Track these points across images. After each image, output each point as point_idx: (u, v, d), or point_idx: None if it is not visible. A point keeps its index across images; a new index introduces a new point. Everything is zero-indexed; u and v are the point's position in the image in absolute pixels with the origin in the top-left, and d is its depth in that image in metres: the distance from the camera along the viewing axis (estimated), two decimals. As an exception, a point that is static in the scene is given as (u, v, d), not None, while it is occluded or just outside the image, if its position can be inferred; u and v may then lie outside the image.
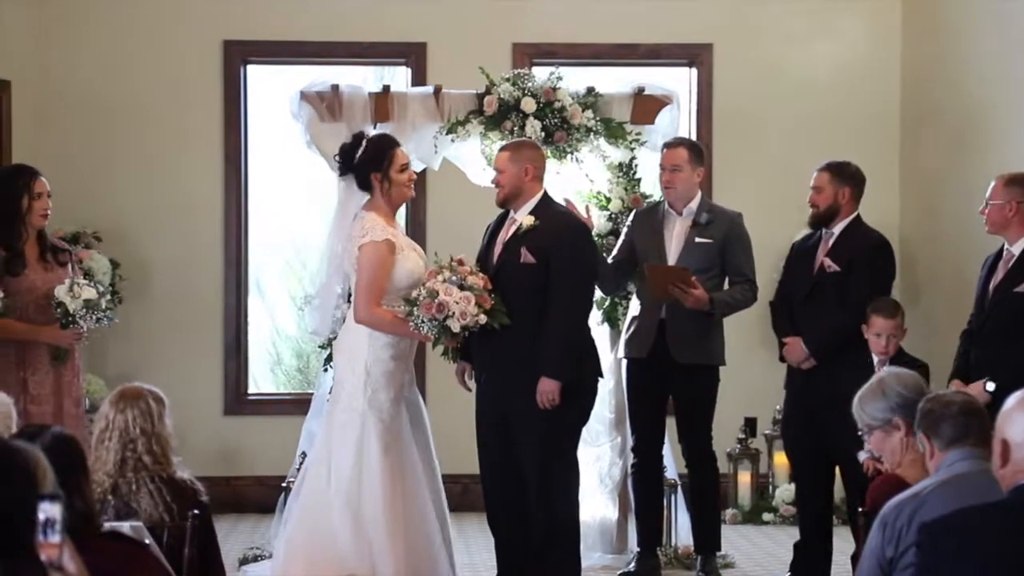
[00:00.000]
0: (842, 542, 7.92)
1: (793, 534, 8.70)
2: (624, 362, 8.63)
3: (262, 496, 10.22)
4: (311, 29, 10.85)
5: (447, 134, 8.92)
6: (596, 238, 8.77)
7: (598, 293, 8.29)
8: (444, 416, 10.56)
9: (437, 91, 9.01)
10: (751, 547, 9.61)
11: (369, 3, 10.90)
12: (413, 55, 10.88)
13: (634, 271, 8.58)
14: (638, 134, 9.05)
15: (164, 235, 10.85)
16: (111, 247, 10.56)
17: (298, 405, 9.76)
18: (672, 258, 8.40)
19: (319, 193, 10.92)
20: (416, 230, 10.72)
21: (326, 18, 10.86)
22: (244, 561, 8.70)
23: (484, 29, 10.84)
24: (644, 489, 8.59)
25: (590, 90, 9.06)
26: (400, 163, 7.62)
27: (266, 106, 10.97)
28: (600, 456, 8.98)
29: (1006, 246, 7.51)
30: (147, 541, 4.63)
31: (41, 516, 3.35)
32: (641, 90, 9.13)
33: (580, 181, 9.04)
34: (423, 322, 7.26)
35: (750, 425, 10.59)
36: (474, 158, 8.98)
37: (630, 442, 8.73)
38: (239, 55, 10.91)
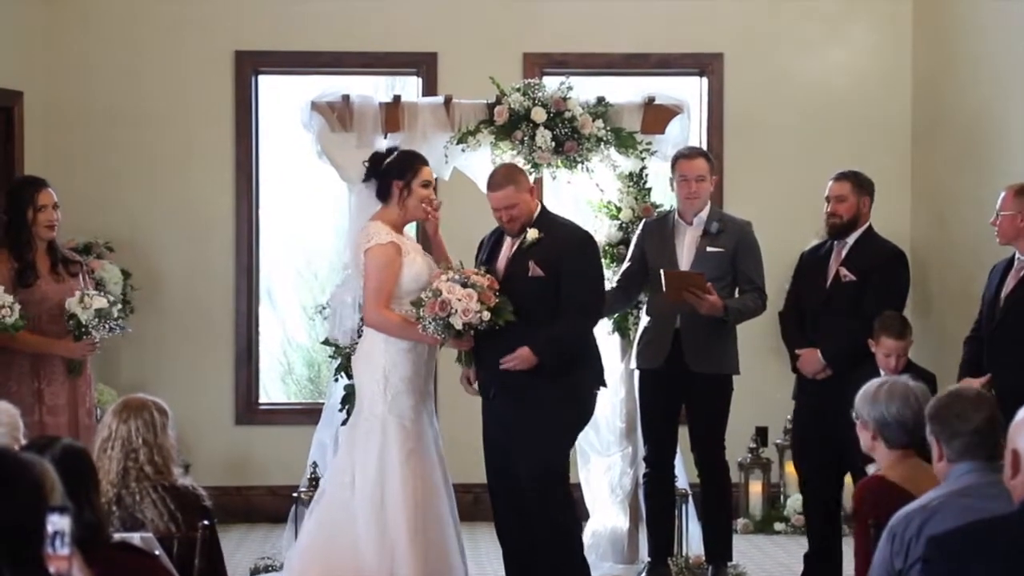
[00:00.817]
0: (851, 551, 7.91)
1: (804, 544, 8.69)
2: (636, 373, 8.62)
3: (273, 506, 10.23)
4: (322, 39, 10.87)
5: (457, 144, 8.92)
6: (607, 247, 8.80)
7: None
8: (455, 425, 10.57)
9: (448, 101, 9.01)
10: (762, 557, 9.61)
11: (380, 14, 10.91)
12: (424, 65, 10.89)
13: (646, 282, 8.58)
14: (648, 144, 9.04)
15: (175, 245, 10.87)
16: (123, 257, 10.58)
17: (309, 415, 9.77)
18: (684, 268, 8.40)
19: (330, 203, 10.95)
20: (427, 239, 10.70)
21: (337, 28, 10.88)
22: (255, 571, 8.70)
23: (495, 39, 10.84)
24: (656, 499, 8.59)
25: (600, 100, 9.05)
26: (424, 178, 7.70)
27: (277, 116, 10.98)
28: (611, 466, 8.99)
29: (1017, 255, 7.53)
30: (157, 552, 4.64)
31: (50, 528, 3.33)
32: (651, 100, 9.12)
33: (591, 191, 9.04)
34: (429, 322, 7.29)
35: (761, 435, 10.60)
36: (484, 168, 8.89)
37: (641, 452, 8.72)
38: (250, 65, 10.93)
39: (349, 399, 8.07)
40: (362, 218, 8.00)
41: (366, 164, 7.87)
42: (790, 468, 10.49)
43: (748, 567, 9.00)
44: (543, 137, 8.82)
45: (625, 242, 8.90)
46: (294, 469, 9.09)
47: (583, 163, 8.95)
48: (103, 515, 4.40)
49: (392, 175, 7.68)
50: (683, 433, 8.64)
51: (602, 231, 8.88)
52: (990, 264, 7.86)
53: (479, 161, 8.99)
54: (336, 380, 8.51)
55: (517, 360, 7.38)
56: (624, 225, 8.99)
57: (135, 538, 4.72)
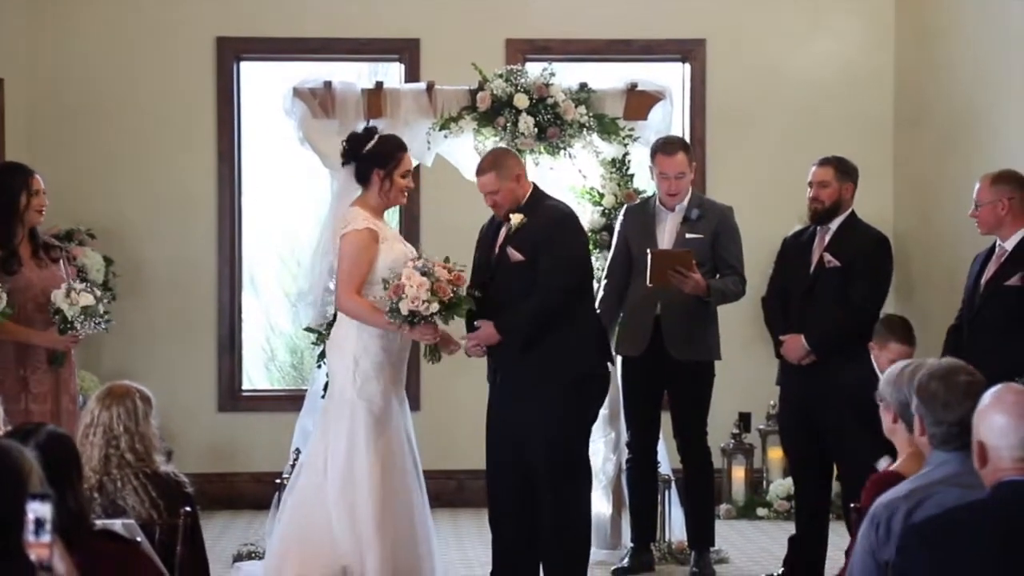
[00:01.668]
0: (837, 538, 7.94)
1: (787, 529, 8.78)
2: (618, 359, 8.63)
3: (256, 492, 10.22)
4: (304, 26, 10.86)
5: (440, 130, 8.93)
6: (590, 233, 8.76)
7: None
8: (439, 412, 10.62)
9: (430, 87, 9.02)
10: (745, 542, 9.63)
11: (362, 0, 10.90)
12: (406, 51, 10.90)
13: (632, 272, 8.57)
14: (631, 130, 9.06)
15: (158, 232, 10.87)
16: (105, 244, 10.57)
17: (292, 401, 9.76)
18: None
19: (313, 189, 10.95)
20: (410, 226, 10.73)
21: (319, 15, 10.88)
22: (238, 558, 8.71)
23: (477, 25, 10.84)
24: (639, 485, 8.63)
25: (583, 86, 9.08)
26: (405, 167, 7.68)
27: (260, 103, 10.97)
28: (594, 452, 8.89)
29: (998, 242, 7.53)
30: (139, 539, 4.63)
31: (30, 516, 3.32)
32: (634, 86, 9.14)
33: (573, 177, 9.05)
34: (386, 306, 7.32)
35: (744, 420, 10.61)
36: (467, 154, 8.97)
37: (624, 438, 8.75)
38: (232, 52, 10.92)
39: (331, 386, 8.06)
40: (343, 204, 7.99)
41: (344, 145, 7.82)
42: (773, 454, 10.57)
43: (730, 552, 9.04)
44: (526, 123, 8.84)
45: (608, 228, 8.92)
46: (277, 456, 9.09)
47: (566, 149, 8.97)
48: (86, 502, 4.39)
49: (373, 163, 7.66)
50: (666, 419, 8.65)
51: (585, 217, 8.87)
52: (971, 252, 7.87)
53: (462, 147, 9.00)
54: (319, 367, 8.51)
55: (479, 339, 7.40)
56: (607, 211, 9.00)
57: (117, 525, 4.72)
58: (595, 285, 8.27)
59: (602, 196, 9.05)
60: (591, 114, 8.99)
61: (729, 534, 9.66)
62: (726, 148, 10.90)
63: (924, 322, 10.13)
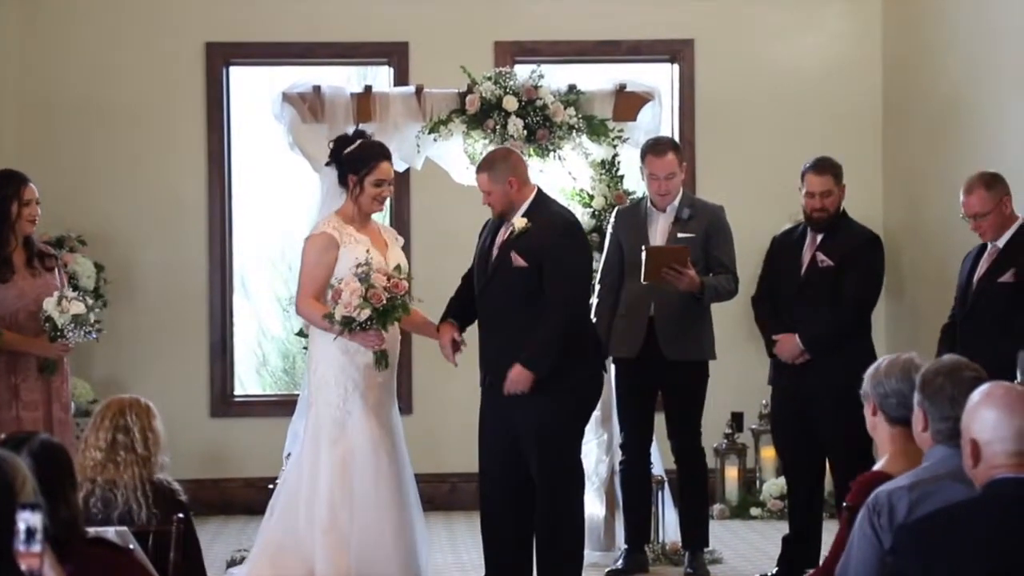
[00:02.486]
0: (831, 536, 7.84)
1: (781, 528, 8.78)
2: (612, 361, 8.62)
3: (249, 498, 10.23)
4: (293, 30, 10.86)
5: (429, 133, 8.93)
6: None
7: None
8: (431, 416, 10.62)
9: (419, 91, 9.02)
10: (739, 542, 9.64)
11: (351, 4, 10.91)
12: (395, 55, 10.90)
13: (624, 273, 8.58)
14: (620, 131, 9.07)
15: (148, 237, 10.87)
16: (96, 250, 10.56)
17: (284, 406, 9.76)
18: None
19: (303, 194, 10.94)
20: (400, 229, 10.66)
21: (308, 19, 10.88)
22: (232, 563, 8.70)
23: (465, 28, 10.85)
24: (632, 486, 8.62)
25: (572, 87, 9.08)
26: (379, 176, 7.63)
27: (249, 107, 10.98)
28: (587, 453, 8.91)
29: (990, 240, 7.56)
30: (132, 546, 4.64)
31: (21, 525, 3.31)
32: (623, 87, 9.15)
33: (563, 179, 9.05)
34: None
35: (737, 420, 10.61)
36: (457, 157, 9.00)
37: (617, 439, 8.75)
38: (222, 57, 10.92)
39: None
40: (330, 205, 8.03)
41: (331, 145, 7.85)
42: (766, 453, 10.58)
43: (724, 552, 9.04)
44: (515, 126, 8.85)
45: (598, 230, 8.92)
46: (270, 461, 9.09)
47: (555, 151, 8.97)
48: (78, 511, 4.35)
49: (348, 168, 7.67)
50: (659, 420, 8.66)
51: (575, 219, 8.90)
52: (962, 246, 7.91)
53: (451, 151, 9.01)
54: (310, 371, 8.52)
55: (513, 384, 7.33)
56: (596, 213, 9.00)
57: (110, 532, 4.71)
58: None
59: (592, 198, 9.04)
60: (580, 115, 9.00)
61: (723, 534, 9.67)
62: (715, 148, 10.91)
63: (915, 318, 10.18)
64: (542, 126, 8.91)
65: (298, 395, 8.94)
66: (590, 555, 8.72)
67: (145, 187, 10.83)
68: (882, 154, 11.10)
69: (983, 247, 7.63)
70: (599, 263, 8.64)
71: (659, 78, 10.30)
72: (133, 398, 5.59)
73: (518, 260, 7.41)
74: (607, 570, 8.52)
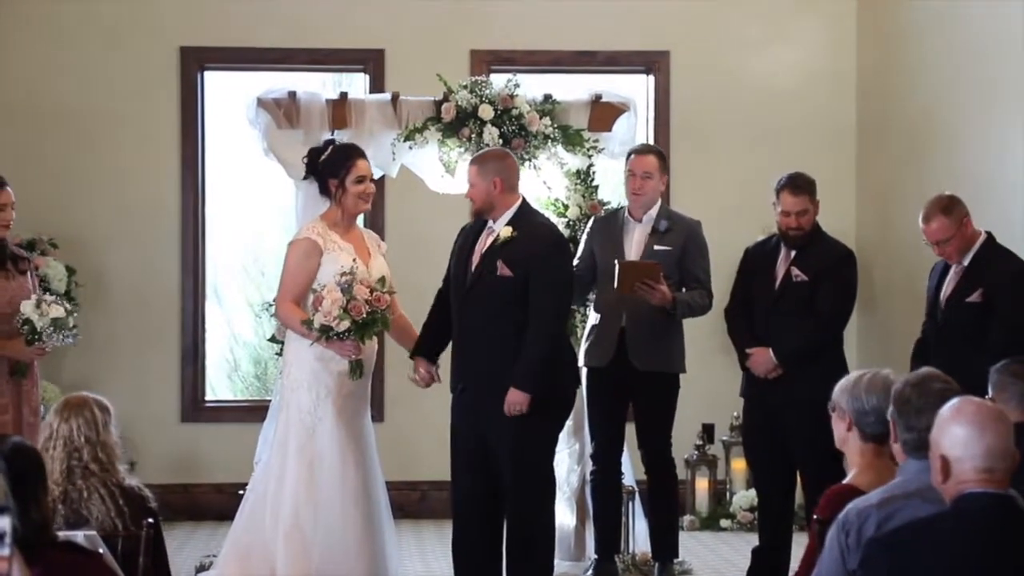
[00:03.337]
0: (800, 548, 7.85)
1: (750, 540, 8.78)
2: (583, 371, 8.63)
3: (219, 503, 10.20)
4: (269, 36, 10.86)
5: (405, 141, 8.92)
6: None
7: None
8: (402, 424, 10.61)
9: (395, 98, 9.02)
10: (708, 553, 9.65)
11: (327, 10, 10.91)
12: (371, 62, 10.90)
13: (594, 281, 8.59)
14: (595, 141, 9.08)
15: (121, 242, 10.84)
16: (67, 254, 10.53)
17: (255, 412, 9.75)
18: None
19: (277, 200, 10.93)
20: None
21: (284, 25, 10.87)
22: (200, 568, 8.67)
23: (442, 36, 10.86)
24: (603, 496, 8.62)
25: (547, 97, 9.09)
26: (358, 174, 7.70)
27: (224, 113, 10.94)
28: (558, 463, 8.88)
29: (956, 262, 7.60)
30: (101, 550, 4.64)
31: None
32: (598, 97, 9.17)
33: (538, 188, 9.03)
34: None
35: (708, 432, 10.63)
36: (432, 165, 9.00)
37: (588, 449, 8.75)
38: (196, 61, 10.90)
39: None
40: (308, 214, 8.07)
41: (305, 161, 7.90)
42: (736, 465, 10.59)
43: (694, 563, 9.05)
44: (490, 134, 8.85)
45: (572, 240, 8.90)
46: (240, 466, 9.08)
47: (531, 160, 8.97)
48: (49, 514, 4.38)
49: (327, 174, 7.73)
50: (630, 430, 8.67)
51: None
52: (934, 262, 7.89)
53: (426, 158, 9.01)
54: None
55: (512, 407, 7.32)
56: (571, 223, 9.00)
57: (79, 536, 4.72)
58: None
59: (567, 207, 9.05)
60: (556, 125, 9.01)
61: (693, 545, 9.69)
62: (690, 159, 10.94)
63: (887, 332, 10.20)
64: (517, 135, 8.91)
65: (270, 401, 8.93)
66: (560, 564, 8.73)
67: (118, 191, 10.81)
68: (855, 168, 11.14)
69: (947, 264, 7.67)
70: (574, 271, 8.67)
71: (635, 89, 10.32)
72: (79, 404, 5.48)
73: (504, 269, 7.41)
74: None
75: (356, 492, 7.57)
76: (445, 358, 7.73)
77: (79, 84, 10.80)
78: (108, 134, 10.81)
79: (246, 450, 8.92)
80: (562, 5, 11.02)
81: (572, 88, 9.46)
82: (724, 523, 10.49)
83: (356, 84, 10.92)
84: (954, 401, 4.17)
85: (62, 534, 4.56)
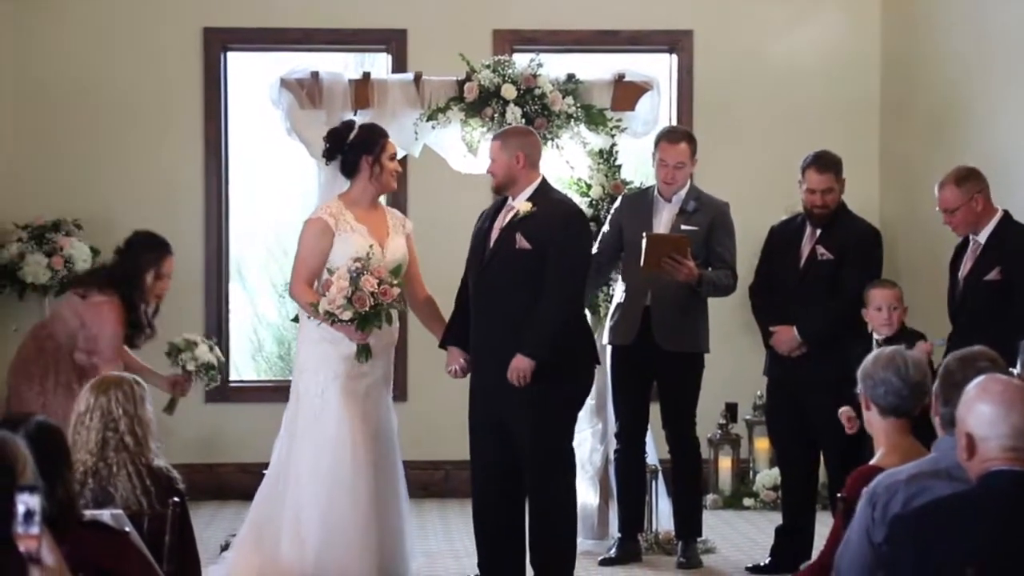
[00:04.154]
0: (824, 527, 7.89)
1: (774, 519, 8.81)
2: (608, 349, 8.65)
3: (244, 483, 10.20)
4: (291, 16, 10.88)
5: (427, 121, 8.95)
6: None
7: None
8: (425, 404, 10.63)
9: (417, 78, 9.05)
10: (732, 532, 9.66)
11: (349, -10, 10.94)
12: (393, 42, 10.91)
13: (618, 258, 8.60)
14: (618, 120, 9.09)
15: (145, 222, 10.69)
16: (91, 235, 10.55)
17: (279, 392, 9.74)
18: None
19: (300, 180, 10.95)
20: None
21: (306, 5, 10.89)
22: (225, 547, 8.71)
23: (464, 16, 10.87)
24: (627, 475, 8.66)
25: (570, 77, 9.10)
26: (391, 151, 7.82)
27: (247, 93, 10.98)
28: (581, 442, 8.94)
29: (971, 236, 7.64)
30: (127, 529, 4.65)
31: (20, 508, 3.33)
32: (621, 77, 9.16)
33: (561, 168, 9.07)
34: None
35: (731, 411, 10.62)
36: (454, 145, 9.02)
37: (612, 428, 8.78)
38: (219, 42, 10.93)
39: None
40: (330, 194, 8.08)
41: (327, 143, 7.92)
42: (759, 444, 10.59)
43: (717, 542, 9.07)
44: (513, 114, 8.87)
45: (595, 219, 8.92)
46: (264, 446, 9.05)
47: (553, 140, 9.00)
48: (74, 493, 4.40)
49: (361, 151, 7.75)
50: (654, 410, 8.69)
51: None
52: (956, 240, 7.92)
53: (449, 138, 9.04)
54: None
55: (515, 372, 7.35)
56: (594, 202, 9.02)
57: (105, 515, 4.72)
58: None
59: (589, 187, 9.07)
60: (578, 105, 9.02)
61: (716, 524, 9.69)
62: (712, 138, 10.86)
63: (911, 309, 10.14)
64: (540, 115, 8.93)
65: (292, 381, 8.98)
66: (583, 543, 8.74)
67: (142, 172, 10.85)
68: (879, 147, 11.12)
69: (966, 241, 7.69)
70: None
71: (658, 68, 10.29)
72: (118, 380, 5.52)
73: (522, 242, 7.45)
74: (600, 559, 8.57)
75: (363, 474, 7.60)
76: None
77: (103, 67, 10.83)
78: (132, 115, 10.84)
79: (270, 430, 8.91)
80: (584, -16, 11.04)
81: (595, 67, 9.49)
82: (747, 502, 10.50)
83: (379, 64, 10.91)
84: (980, 379, 4.16)
85: (88, 513, 4.59)
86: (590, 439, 9.02)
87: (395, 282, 7.45)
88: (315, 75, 8.97)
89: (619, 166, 9.12)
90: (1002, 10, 9.37)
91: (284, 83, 8.97)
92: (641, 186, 8.98)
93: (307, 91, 8.95)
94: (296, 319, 8.65)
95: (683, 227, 8.45)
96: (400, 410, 7.95)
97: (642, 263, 8.21)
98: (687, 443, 8.59)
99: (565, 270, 7.43)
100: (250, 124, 11.07)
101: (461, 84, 8.97)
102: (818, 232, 8.14)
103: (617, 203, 8.74)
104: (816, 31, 11.15)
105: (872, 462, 5.11)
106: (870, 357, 5.15)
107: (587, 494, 8.96)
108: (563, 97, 8.97)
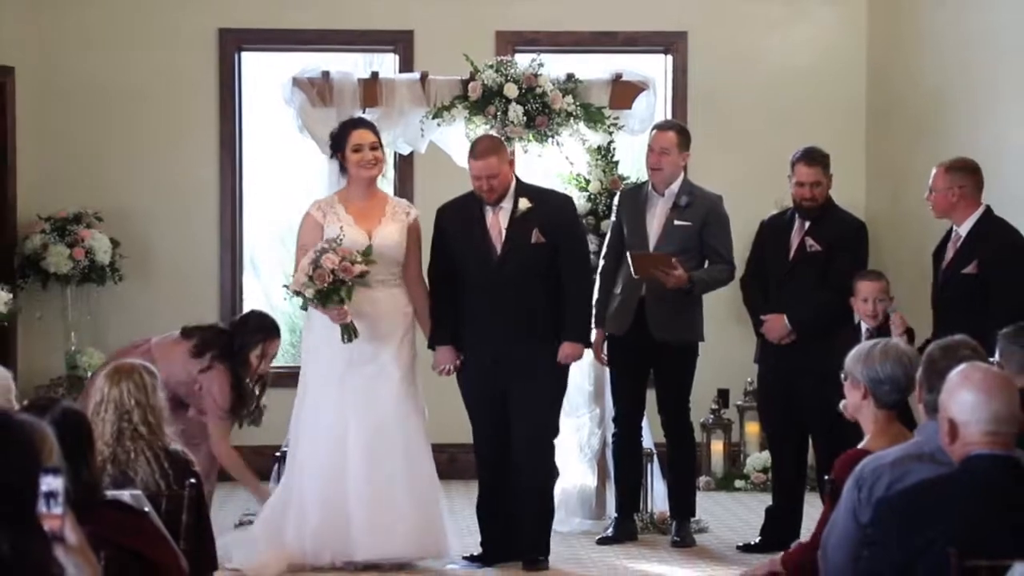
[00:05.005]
0: (812, 508, 7.92)
1: (764, 500, 8.91)
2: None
3: (257, 465, 10.24)
4: (304, 18, 10.96)
5: (433, 119, 9.05)
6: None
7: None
8: (430, 387, 10.79)
9: (423, 77, 9.14)
10: (724, 512, 9.73)
11: (359, -7, 11.01)
12: (401, 43, 10.98)
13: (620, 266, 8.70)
14: (616, 118, 9.18)
15: (162, 215, 10.98)
16: (112, 227, 10.72)
17: (291, 378, 9.87)
18: (652, 240, 8.54)
19: (310, 175, 11.12)
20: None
21: (318, 7, 10.97)
22: (239, 525, 8.87)
23: (468, 18, 10.94)
24: (623, 458, 8.76)
25: (570, 76, 9.21)
26: (354, 142, 7.90)
27: (260, 92, 11.05)
28: (580, 427, 9.11)
29: (954, 228, 7.69)
30: (146, 509, 4.66)
31: (44, 488, 3.36)
32: (619, 76, 9.25)
33: (561, 164, 9.20)
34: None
35: (723, 396, 10.69)
36: (459, 141, 9.09)
37: (609, 413, 8.89)
38: (234, 43, 11.04)
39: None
40: (338, 188, 8.27)
41: (329, 143, 8.17)
42: (750, 428, 10.66)
43: (710, 522, 9.17)
44: (515, 112, 8.98)
45: (593, 213, 9.07)
46: (277, 430, 9.26)
47: (553, 137, 9.11)
48: (98, 475, 4.46)
49: (335, 149, 7.99)
50: (650, 396, 8.80)
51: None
52: (938, 235, 8.01)
53: (454, 135, 9.14)
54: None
55: (569, 358, 7.86)
56: (592, 197, 9.14)
57: (125, 496, 4.71)
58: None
59: (588, 182, 9.18)
60: (578, 103, 9.12)
61: (709, 505, 9.73)
62: (706, 136, 10.84)
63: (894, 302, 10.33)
64: (541, 113, 9.05)
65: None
66: (582, 523, 8.94)
67: (160, 168, 10.96)
68: (865, 146, 11.17)
69: (948, 234, 7.75)
70: (593, 246, 8.78)
71: (653, 68, 10.33)
72: (129, 370, 5.50)
73: (538, 237, 7.73)
74: (598, 538, 8.69)
75: (359, 463, 7.78)
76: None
77: (121, 65, 10.95)
78: (150, 113, 10.96)
79: (283, 414, 9.16)
80: (583, -13, 11.09)
81: (593, 67, 9.57)
82: (738, 484, 10.55)
83: (387, 64, 10.93)
84: (962, 367, 4.22)
85: (109, 493, 4.60)
86: (588, 423, 9.12)
87: (358, 259, 7.58)
88: (326, 74, 9.08)
89: (616, 162, 9.22)
90: (984, 16, 9.41)
91: (296, 82, 9.08)
92: (637, 181, 9.07)
93: (318, 90, 9.05)
94: (305, 307, 8.94)
95: (676, 222, 8.50)
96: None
97: (633, 275, 8.38)
98: (681, 428, 8.68)
99: (580, 253, 7.87)
100: (263, 121, 11.13)
101: (465, 83, 9.09)
102: (807, 225, 8.21)
103: (616, 200, 8.81)
104: (805, 34, 11.21)
105: (860, 446, 5.15)
106: (872, 351, 5.14)
107: (585, 476, 9.06)
108: (563, 96, 9.08)
